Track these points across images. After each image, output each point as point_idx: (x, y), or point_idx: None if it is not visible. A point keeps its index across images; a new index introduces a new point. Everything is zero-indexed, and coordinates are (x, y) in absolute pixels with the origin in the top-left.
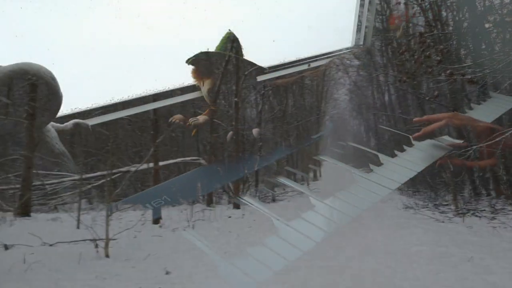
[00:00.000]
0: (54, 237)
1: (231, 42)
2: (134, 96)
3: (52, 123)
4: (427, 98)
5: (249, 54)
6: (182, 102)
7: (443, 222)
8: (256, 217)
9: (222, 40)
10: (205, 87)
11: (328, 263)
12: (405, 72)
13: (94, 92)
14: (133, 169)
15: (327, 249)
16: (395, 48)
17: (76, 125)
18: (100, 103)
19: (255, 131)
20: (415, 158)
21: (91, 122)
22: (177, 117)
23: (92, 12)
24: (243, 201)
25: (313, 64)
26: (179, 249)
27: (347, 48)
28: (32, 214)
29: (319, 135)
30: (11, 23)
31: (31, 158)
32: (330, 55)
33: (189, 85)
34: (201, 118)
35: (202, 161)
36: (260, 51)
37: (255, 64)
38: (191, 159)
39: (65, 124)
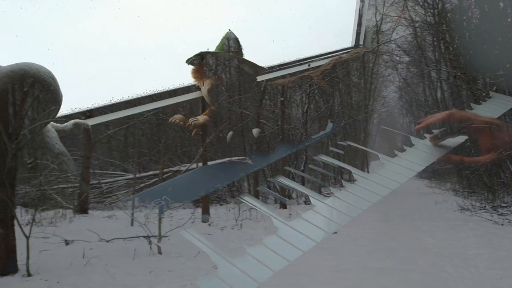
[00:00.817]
0: (110, 234)
1: (231, 42)
2: (134, 96)
3: (52, 123)
4: (483, 94)
5: (249, 54)
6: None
7: (502, 225)
8: None
9: (222, 40)
10: (205, 87)
11: (380, 265)
12: (459, 67)
13: (94, 92)
14: (183, 168)
15: (380, 251)
16: (448, 43)
17: (76, 125)
18: (100, 103)
19: (255, 131)
20: (415, 158)
21: (91, 122)
22: (177, 117)
23: (92, 12)
24: (242, 200)
25: (313, 64)
26: (228, 246)
27: (347, 48)
28: (89, 211)
29: (320, 134)
30: (11, 23)
31: (89, 158)
32: (330, 55)
33: (189, 85)
34: (201, 118)
35: (249, 161)
36: (260, 51)
37: (255, 64)
38: (238, 159)
39: (65, 124)
